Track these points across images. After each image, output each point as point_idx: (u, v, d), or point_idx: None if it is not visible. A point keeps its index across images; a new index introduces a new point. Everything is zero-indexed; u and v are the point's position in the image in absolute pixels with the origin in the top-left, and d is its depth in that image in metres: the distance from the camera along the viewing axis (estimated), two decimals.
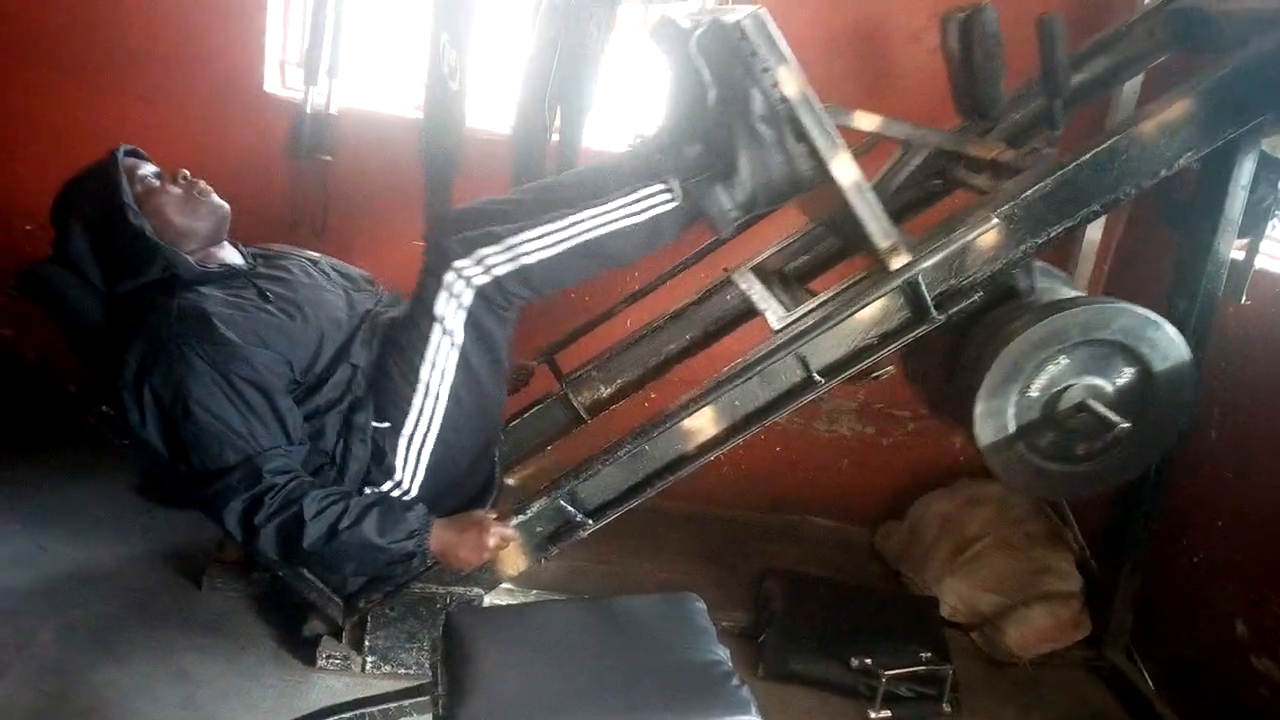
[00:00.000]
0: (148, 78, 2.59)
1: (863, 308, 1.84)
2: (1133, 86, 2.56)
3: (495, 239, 1.85)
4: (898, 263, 1.79)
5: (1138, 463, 2.00)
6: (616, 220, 1.86)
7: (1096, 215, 1.86)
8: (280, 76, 2.70)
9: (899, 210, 2.26)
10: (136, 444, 1.82)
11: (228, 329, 1.78)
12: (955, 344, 2.03)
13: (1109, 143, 1.79)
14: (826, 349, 1.87)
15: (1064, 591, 2.51)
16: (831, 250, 2.36)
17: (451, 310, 1.85)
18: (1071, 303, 1.91)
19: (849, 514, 3.03)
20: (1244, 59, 1.79)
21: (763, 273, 2.27)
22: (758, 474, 2.97)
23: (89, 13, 2.55)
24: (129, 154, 1.94)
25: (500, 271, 1.84)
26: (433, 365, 1.89)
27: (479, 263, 1.84)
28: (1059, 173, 1.79)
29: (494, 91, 2.72)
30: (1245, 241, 2.12)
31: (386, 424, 1.92)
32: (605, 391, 2.45)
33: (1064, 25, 1.81)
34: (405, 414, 1.91)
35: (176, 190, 1.92)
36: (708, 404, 1.91)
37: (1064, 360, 1.87)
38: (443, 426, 1.92)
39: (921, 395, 2.31)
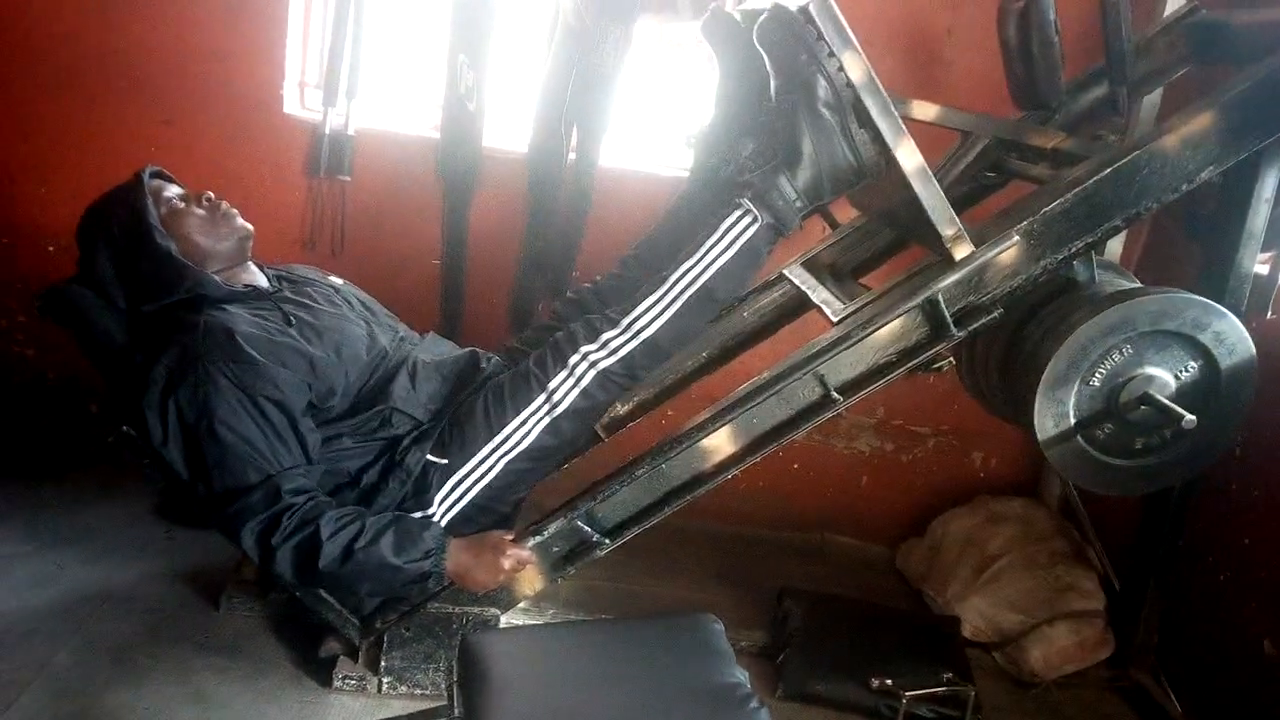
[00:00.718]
0: (171, 101, 2.62)
1: (882, 325, 1.82)
2: (1152, 100, 2.53)
3: (613, 323, 1.91)
4: (961, 251, 1.78)
5: (1197, 459, 1.94)
6: (713, 262, 1.87)
7: (1118, 230, 1.84)
8: (299, 98, 2.73)
9: (953, 204, 2.24)
10: (157, 463, 1.82)
11: (253, 348, 1.79)
12: (1012, 339, 2.00)
13: (1130, 157, 1.77)
14: (845, 367, 1.86)
15: (1087, 610, 2.48)
16: (881, 245, 2.35)
17: (567, 387, 1.90)
18: (1141, 291, 1.86)
19: (868, 531, 3.00)
20: (1267, 71, 1.77)
21: (814, 268, 2.26)
22: (775, 491, 2.96)
23: (116, 39, 2.59)
24: (155, 175, 1.96)
25: (624, 352, 1.89)
26: (522, 425, 1.92)
27: (603, 346, 1.89)
28: (1079, 188, 1.77)
29: (511, 111, 2.74)
30: (1270, 255, 2.10)
31: (444, 461, 1.93)
32: (623, 409, 2.44)
33: (1130, 9, 1.79)
34: (468, 458, 1.93)
35: (201, 211, 1.93)
36: (726, 423, 1.89)
37: (1129, 350, 1.82)
38: (499, 477, 1.94)
39: (972, 390, 2.26)
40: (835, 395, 1.86)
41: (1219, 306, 1.83)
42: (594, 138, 2.61)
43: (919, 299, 1.80)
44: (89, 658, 2.04)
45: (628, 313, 1.91)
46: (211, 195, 1.96)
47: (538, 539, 1.93)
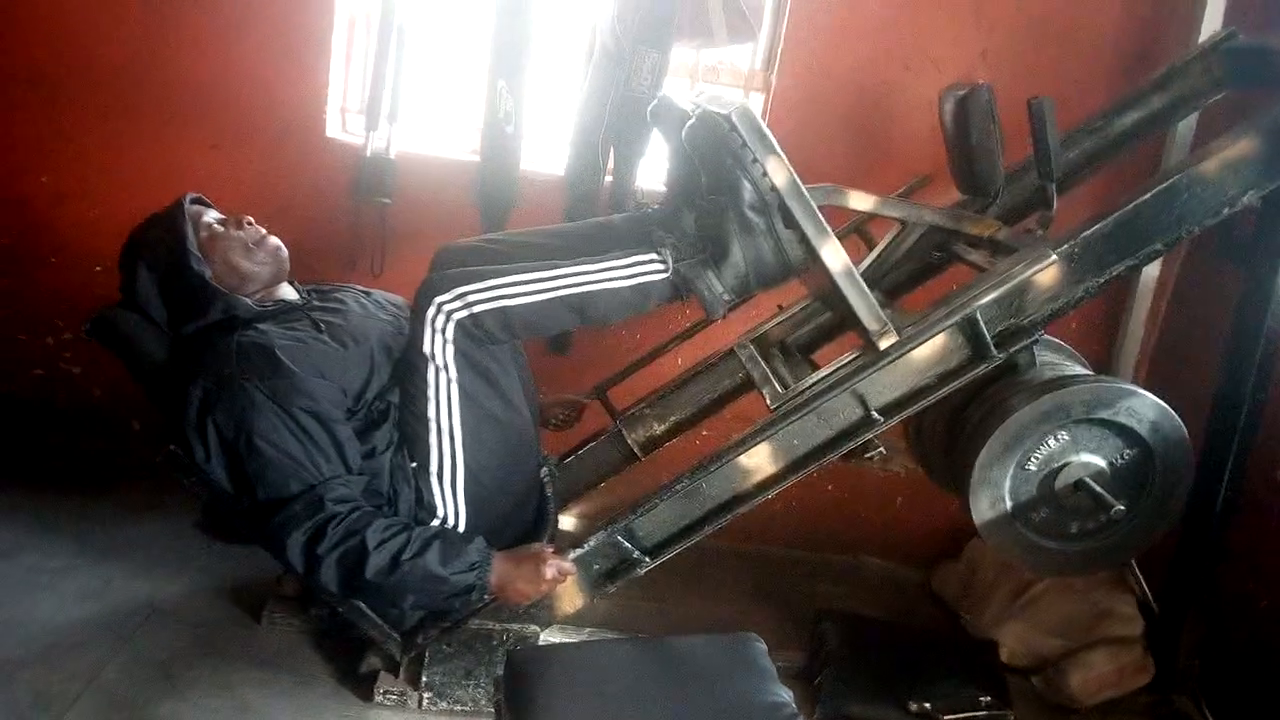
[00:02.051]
0: (216, 125, 2.68)
1: (921, 345, 1.84)
2: (1187, 125, 2.54)
3: (480, 277, 1.86)
4: (886, 343, 1.82)
5: (1131, 545, 1.98)
6: (605, 280, 1.87)
7: (1158, 254, 1.85)
8: (342, 122, 2.78)
9: (901, 282, 2.32)
10: (203, 481, 1.86)
11: (288, 360, 1.82)
12: (954, 418, 2.04)
13: (1170, 181, 1.78)
14: (885, 387, 1.88)
15: (1126, 636, 2.46)
16: (835, 321, 2.37)
17: (438, 346, 1.86)
18: (1077, 379, 1.91)
19: (902, 553, 3.00)
20: None
21: (764, 345, 2.31)
22: (809, 512, 2.95)
23: (164, 66, 2.65)
24: (194, 201, 2.02)
25: (479, 309, 1.84)
26: (436, 403, 1.90)
27: (459, 298, 1.84)
28: (1119, 212, 1.78)
29: (549, 134, 2.77)
30: None
31: (415, 464, 1.94)
32: (659, 429, 2.46)
33: (1054, 109, 1.82)
34: (428, 454, 1.93)
35: (239, 235, 1.98)
36: (765, 441, 1.91)
37: (1065, 436, 1.86)
38: (467, 461, 1.93)
39: (923, 467, 2.34)
40: (876, 415, 1.87)
41: (1152, 396, 1.86)
42: (630, 161, 2.64)
43: (958, 318, 1.81)
44: (136, 670, 2.07)
45: (500, 275, 1.86)
46: (250, 219, 2.01)
47: (579, 552, 1.95)
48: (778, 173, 1.76)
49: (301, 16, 2.64)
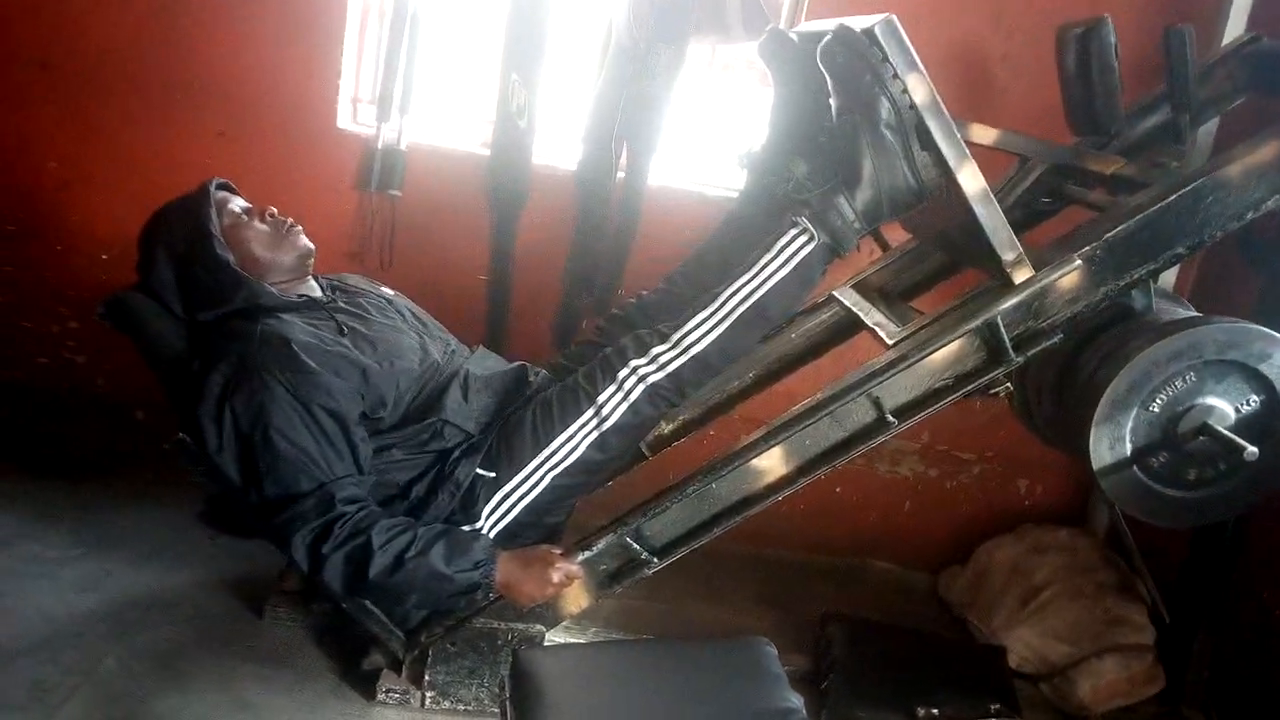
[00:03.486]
0: (227, 113, 2.65)
1: (939, 348, 1.81)
2: (1208, 129, 2.51)
3: (664, 338, 1.90)
4: (1022, 275, 1.74)
5: (1249, 495, 1.90)
6: (767, 280, 1.87)
7: (1181, 258, 1.82)
8: (353, 113, 2.75)
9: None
10: (210, 471, 1.84)
11: (309, 357, 1.80)
12: (1067, 365, 1.97)
13: (1194, 185, 1.75)
14: (900, 390, 1.85)
15: (1137, 644, 2.44)
16: (932, 269, 2.33)
17: (615, 400, 1.90)
18: (1207, 319, 1.84)
19: (909, 558, 2.97)
20: None
21: (865, 290, 2.24)
22: (816, 514, 2.93)
23: (173, 52, 2.62)
24: (220, 187, 1.99)
25: (673, 367, 1.88)
26: (569, 439, 1.92)
27: (652, 360, 1.89)
28: (1142, 215, 1.76)
29: (561, 128, 2.75)
30: None
31: (492, 474, 1.93)
32: (667, 428, 2.42)
33: (1194, 39, 1.77)
34: (516, 472, 1.93)
35: (263, 226, 1.97)
36: (778, 443, 1.88)
37: (1192, 378, 1.79)
38: (545, 491, 1.94)
39: (1024, 418, 2.24)
40: (890, 418, 1.84)
41: None
42: (644, 157, 2.62)
43: (977, 322, 1.78)
44: (135, 663, 2.04)
45: (678, 328, 1.90)
46: (275, 211, 1.99)
47: (586, 554, 1.92)
48: (918, 89, 1.70)
49: (315, 5, 2.61)
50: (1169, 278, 2.64)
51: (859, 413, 1.87)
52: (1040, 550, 2.71)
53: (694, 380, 1.93)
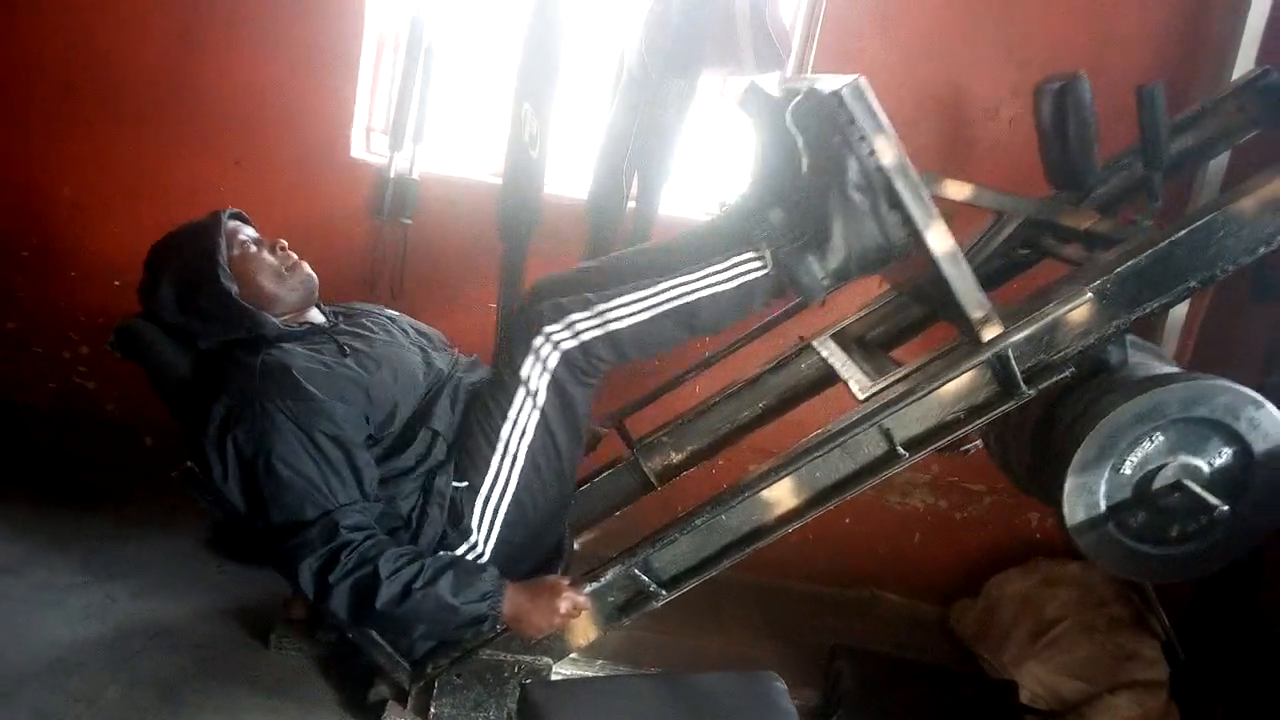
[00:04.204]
0: (241, 142, 2.68)
1: (949, 381, 1.80)
2: (1219, 164, 2.51)
3: (586, 305, 1.86)
4: (990, 333, 1.75)
5: (1232, 548, 1.90)
6: (707, 287, 1.86)
7: (1192, 292, 1.81)
8: (366, 142, 2.77)
9: (986, 280, 2.23)
10: (217, 500, 1.83)
11: (311, 384, 1.80)
12: (1043, 420, 1.98)
13: (1206, 219, 1.75)
14: (911, 422, 1.83)
15: (1150, 680, 2.41)
16: (913, 319, 2.33)
17: (537, 373, 1.86)
18: (1171, 378, 1.85)
19: (919, 590, 2.95)
20: None
21: (843, 340, 2.24)
22: (825, 545, 2.91)
23: (192, 78, 2.66)
24: (233, 217, 2.00)
25: (588, 336, 1.85)
26: (514, 425, 1.89)
27: (568, 327, 1.85)
28: (1154, 249, 1.75)
29: (573, 158, 2.76)
30: None
31: (464, 484, 1.92)
32: (676, 458, 2.42)
33: (1164, 95, 1.78)
34: (484, 474, 1.91)
35: (272, 259, 1.97)
36: (788, 474, 1.87)
37: (1160, 437, 1.80)
38: (518, 487, 1.92)
39: (1005, 471, 2.25)
40: (901, 450, 1.83)
41: (1252, 393, 1.79)
42: (655, 186, 2.62)
43: (987, 355, 1.77)
44: (138, 693, 2.03)
45: (606, 300, 1.86)
46: (285, 244, 1.99)
47: (594, 585, 1.91)
48: (886, 151, 1.71)
49: (330, 35, 2.64)
50: (1179, 311, 2.64)
51: (870, 445, 1.85)
52: (1052, 584, 2.69)
53: (603, 358, 1.87)
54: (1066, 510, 1.83)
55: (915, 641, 2.76)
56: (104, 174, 2.73)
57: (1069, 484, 1.81)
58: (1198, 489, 1.77)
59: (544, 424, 1.89)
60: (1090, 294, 1.76)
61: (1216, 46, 2.56)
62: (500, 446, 1.89)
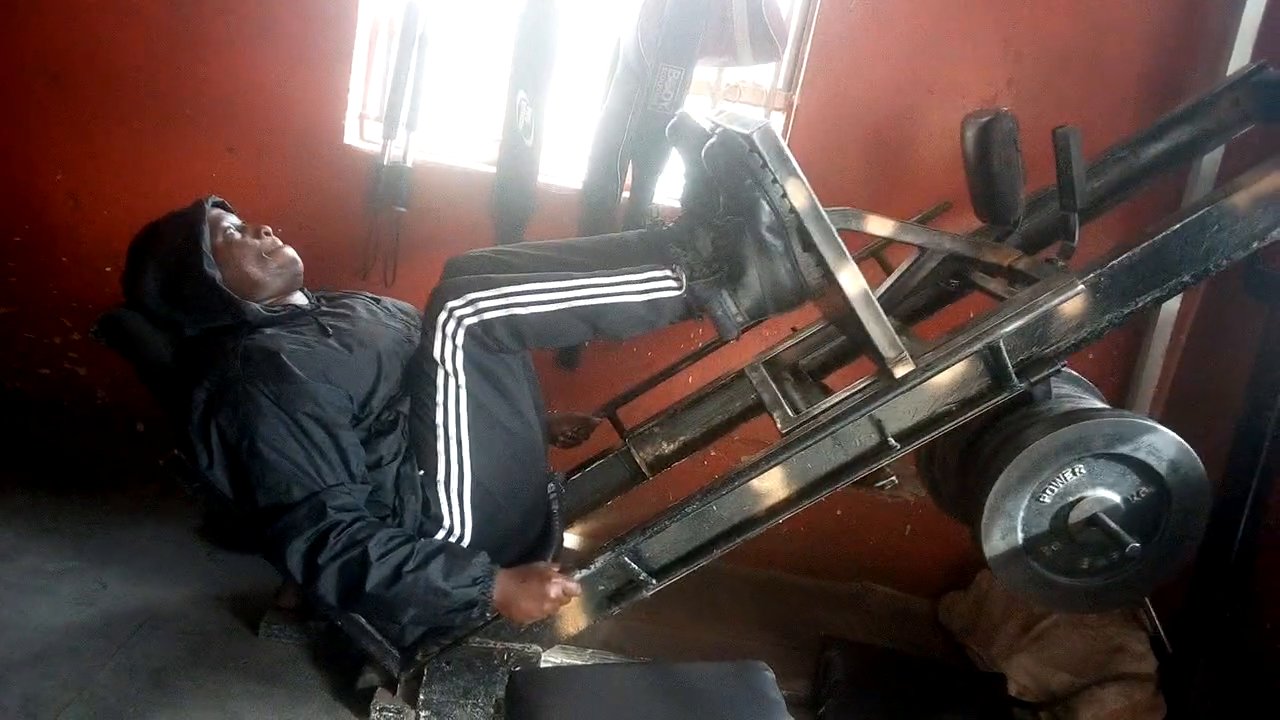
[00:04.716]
0: (234, 129, 2.67)
1: (941, 372, 1.80)
2: (1213, 158, 2.51)
3: (491, 284, 1.84)
4: (901, 371, 1.79)
5: (1144, 584, 1.94)
6: (617, 294, 1.85)
7: (1185, 286, 1.82)
8: (360, 130, 2.77)
9: (918, 308, 2.29)
10: (205, 487, 1.83)
11: (294, 365, 1.79)
12: (968, 448, 2.01)
13: (1199, 214, 1.75)
14: (904, 413, 1.84)
15: (1138, 673, 2.41)
16: (846, 346, 2.34)
17: (448, 352, 1.84)
18: (1098, 412, 1.88)
19: (909, 582, 2.96)
20: None
21: (776, 368, 2.27)
22: (816, 537, 2.92)
23: (184, 66, 2.65)
24: (216, 204, 1.99)
25: (489, 316, 1.82)
26: (444, 409, 1.88)
27: (470, 304, 1.82)
28: (1147, 243, 1.75)
29: (567, 147, 2.76)
30: None
31: (423, 472, 1.91)
32: (668, 448, 2.42)
33: (1080, 139, 1.78)
34: (436, 460, 1.90)
35: (255, 244, 1.96)
36: (778, 464, 1.88)
37: (1082, 470, 1.83)
38: (473, 470, 1.91)
39: (934, 496, 2.30)
40: (892, 442, 1.83)
41: (1173, 434, 1.82)
42: (649, 177, 2.62)
43: (979, 346, 1.78)
44: (129, 679, 2.03)
45: (513, 282, 1.85)
46: (269, 229, 1.99)
47: (584, 573, 1.91)
48: (797, 195, 1.74)
49: (324, 23, 2.63)
50: (1171, 306, 2.64)
51: (861, 436, 1.86)
52: None
53: (499, 338, 1.84)
54: (984, 535, 1.85)
55: (906, 634, 2.77)
56: (97, 161, 2.72)
57: (989, 507, 1.83)
58: (1113, 524, 1.80)
59: (473, 402, 1.87)
60: (1083, 287, 1.76)
61: (1212, 40, 2.57)
62: (440, 431, 1.88)
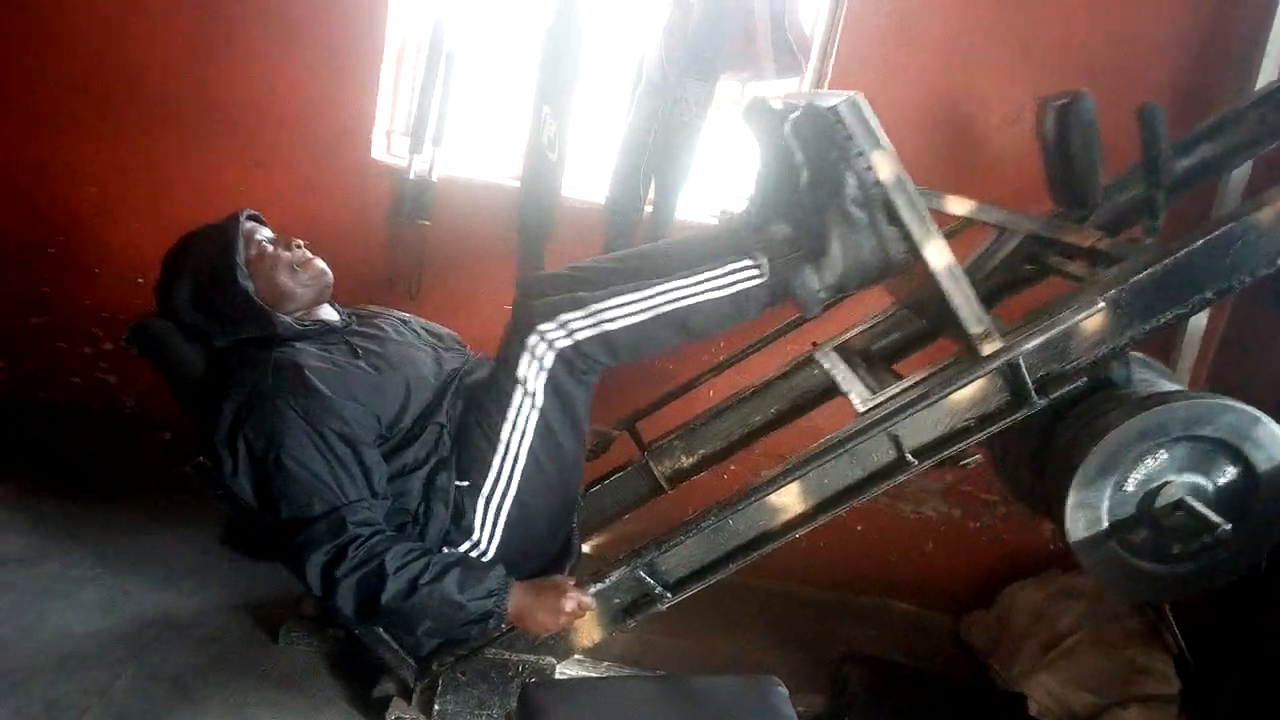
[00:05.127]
0: (262, 143, 2.71)
1: (960, 388, 1.79)
2: (1241, 173, 2.48)
3: (579, 304, 1.86)
4: (989, 348, 1.74)
5: (1236, 566, 1.88)
6: (702, 293, 1.86)
7: (1208, 303, 1.79)
8: (387, 144, 2.80)
9: (990, 294, 2.21)
10: (228, 495, 1.86)
11: (320, 382, 1.82)
12: (1046, 434, 1.96)
13: (1224, 229, 1.73)
14: (921, 429, 1.82)
15: (1161, 694, 2.38)
16: (918, 332, 2.32)
17: (533, 372, 1.86)
18: (1174, 396, 1.83)
19: (930, 599, 2.94)
20: None
21: (846, 352, 2.24)
22: (836, 552, 2.90)
23: (213, 79, 2.69)
24: (250, 218, 2.03)
25: (582, 336, 1.84)
26: (513, 426, 1.89)
27: (562, 326, 1.84)
28: (1170, 259, 1.73)
29: (591, 161, 2.78)
30: None
31: (466, 483, 1.93)
32: (687, 462, 2.42)
33: (1165, 116, 1.76)
34: (485, 473, 1.92)
35: (288, 256, 2.00)
36: (795, 480, 1.86)
37: (1163, 455, 1.79)
38: (520, 487, 1.92)
39: (1009, 487, 2.24)
40: (910, 458, 1.82)
41: (1256, 411, 1.77)
42: (672, 191, 2.62)
43: (999, 362, 1.76)
44: (149, 685, 2.05)
45: (599, 299, 1.85)
46: (301, 243, 2.02)
47: (599, 586, 1.91)
48: (883, 167, 1.72)
49: (352, 40, 2.67)
50: (1198, 323, 2.61)
51: (878, 451, 1.85)
52: (1065, 596, 2.66)
53: (595, 357, 1.86)
54: (1069, 525, 1.81)
55: (926, 650, 2.74)
56: (127, 176, 2.76)
57: (1072, 499, 1.80)
58: (1200, 507, 1.76)
59: (543, 423, 1.89)
60: (1104, 304, 1.74)
61: (1240, 54, 2.54)
62: (500, 447, 1.90)
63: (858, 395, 1.95)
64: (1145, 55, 2.62)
